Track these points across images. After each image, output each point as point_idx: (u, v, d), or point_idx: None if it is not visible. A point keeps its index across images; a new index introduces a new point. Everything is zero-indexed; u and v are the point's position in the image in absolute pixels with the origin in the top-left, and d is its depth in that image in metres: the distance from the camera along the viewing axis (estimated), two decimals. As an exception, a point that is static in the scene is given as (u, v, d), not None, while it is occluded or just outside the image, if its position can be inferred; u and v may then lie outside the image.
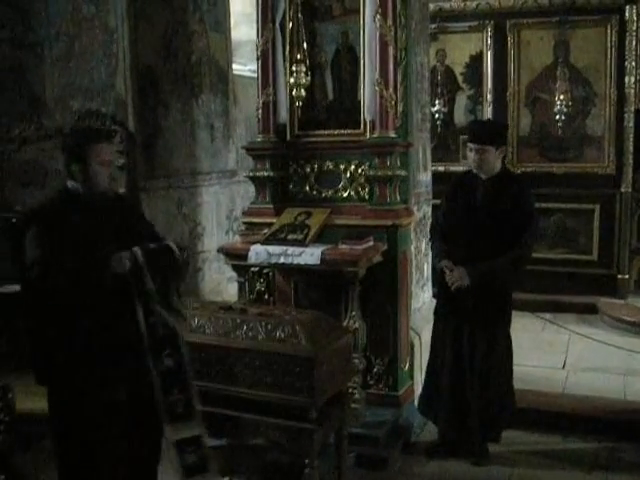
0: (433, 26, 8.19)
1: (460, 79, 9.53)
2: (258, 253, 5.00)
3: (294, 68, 4.98)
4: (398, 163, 5.22)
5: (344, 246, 4.89)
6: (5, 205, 6.96)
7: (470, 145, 4.82)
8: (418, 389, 5.31)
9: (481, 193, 4.80)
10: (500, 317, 4.82)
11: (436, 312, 5.04)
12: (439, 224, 5.00)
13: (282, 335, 3.84)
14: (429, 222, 5.67)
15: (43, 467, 4.96)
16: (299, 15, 5.18)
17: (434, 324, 5.04)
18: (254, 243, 5.09)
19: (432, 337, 5.06)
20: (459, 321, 4.81)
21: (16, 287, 5.71)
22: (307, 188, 5.52)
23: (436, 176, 6.38)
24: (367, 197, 5.31)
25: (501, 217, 4.68)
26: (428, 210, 6.06)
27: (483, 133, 4.86)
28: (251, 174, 5.59)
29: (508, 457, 4.96)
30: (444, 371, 4.90)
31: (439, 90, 9.23)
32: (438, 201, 5.27)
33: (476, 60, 9.42)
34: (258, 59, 5.53)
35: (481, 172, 4.81)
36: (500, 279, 4.70)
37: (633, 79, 8.67)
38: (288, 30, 5.38)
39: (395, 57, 5.18)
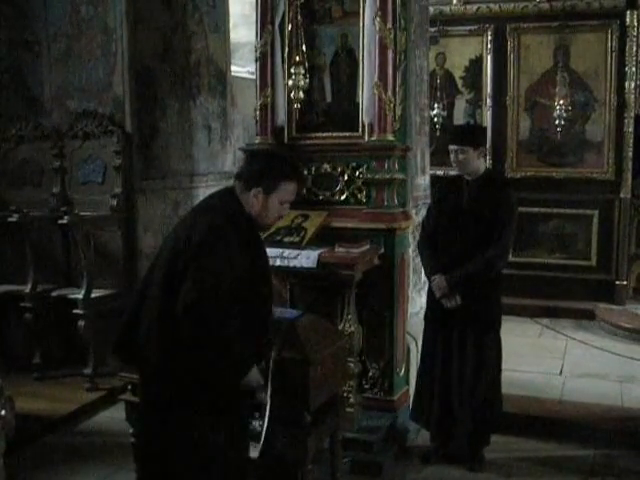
0: (433, 29, 8.16)
1: (459, 83, 9.51)
2: (254, 255, 4.97)
3: (293, 70, 4.96)
4: (396, 166, 5.19)
5: (341, 249, 4.85)
6: (1, 204, 6.94)
7: (450, 147, 4.86)
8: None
9: (466, 195, 4.82)
10: (489, 322, 4.81)
11: (426, 317, 5.03)
12: (427, 232, 5.00)
13: (277, 338, 3.80)
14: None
15: (38, 466, 4.97)
16: (298, 17, 5.17)
17: (424, 329, 5.02)
18: (250, 245, 5.06)
19: (422, 342, 5.04)
20: (448, 326, 4.80)
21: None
22: (304, 190, 5.48)
23: (434, 180, 6.35)
24: (364, 200, 5.28)
25: (485, 218, 4.69)
26: (426, 214, 6.04)
27: (461, 134, 4.98)
28: (248, 176, 5.56)
29: (504, 463, 4.93)
30: (434, 376, 4.88)
31: (438, 94, 9.21)
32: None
33: (476, 64, 9.41)
34: (257, 61, 5.51)
35: (465, 173, 4.85)
36: (476, 281, 4.69)
37: (633, 84, 8.66)
38: (287, 32, 5.37)
39: (394, 60, 5.15)
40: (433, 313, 4.94)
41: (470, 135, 4.96)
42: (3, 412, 3.23)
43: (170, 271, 3.07)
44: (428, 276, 4.92)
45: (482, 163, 4.92)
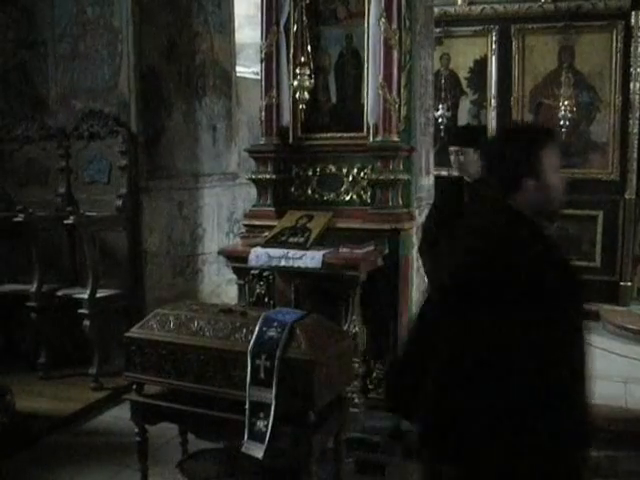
0: (438, 30, 8.18)
1: (464, 83, 9.51)
2: (259, 256, 4.98)
3: (298, 71, 4.97)
4: (401, 167, 5.20)
5: (345, 250, 4.86)
6: (7, 204, 6.96)
7: (450, 148, 4.87)
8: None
9: (467, 197, 4.80)
10: None
11: None
12: (427, 235, 4.92)
13: (282, 339, 3.81)
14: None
15: (43, 465, 4.98)
16: (304, 18, 5.18)
17: None
18: (255, 246, 5.07)
19: None
20: None
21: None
22: (309, 191, 5.50)
23: (437, 181, 6.35)
24: (369, 201, 5.29)
25: None
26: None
27: (461, 136, 5.04)
28: (253, 176, 5.58)
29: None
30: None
31: (443, 94, 9.21)
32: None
33: (480, 65, 9.40)
34: (262, 61, 5.52)
35: (465, 175, 4.83)
36: None
37: (638, 85, 8.65)
38: (292, 33, 5.39)
39: (399, 61, 5.16)
40: None
41: (470, 136, 4.96)
42: None
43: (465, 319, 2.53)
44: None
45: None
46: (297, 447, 3.70)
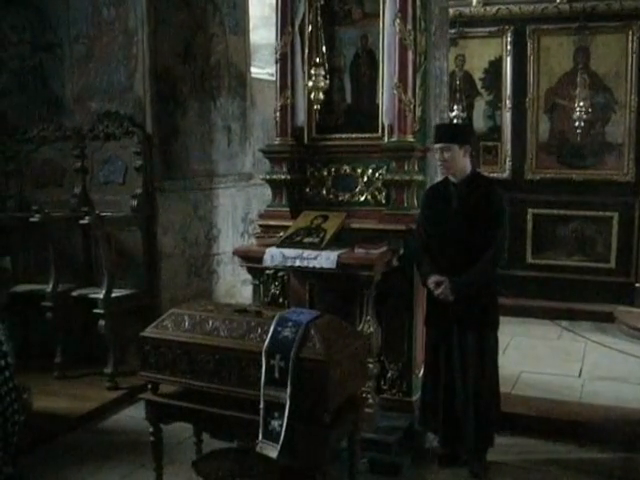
0: (453, 31, 8.17)
1: (479, 84, 9.50)
2: (273, 256, 4.99)
3: (313, 71, 4.97)
4: (416, 168, 5.20)
5: (360, 250, 4.86)
6: (23, 204, 7.00)
7: (435, 146, 4.82)
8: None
9: (455, 198, 4.75)
10: (488, 323, 4.76)
11: (427, 322, 4.98)
12: (420, 241, 4.86)
13: (296, 338, 3.81)
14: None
15: (59, 464, 5.01)
16: (318, 19, 5.18)
17: (426, 333, 4.98)
18: (269, 246, 5.08)
19: (425, 347, 4.99)
20: (449, 327, 4.75)
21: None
22: (324, 191, 5.51)
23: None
24: (384, 201, 5.29)
25: (475, 220, 4.64)
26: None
27: (445, 132, 4.88)
28: (268, 177, 5.58)
29: (521, 465, 4.92)
30: (438, 381, 4.83)
31: (458, 95, 9.20)
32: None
33: (495, 65, 9.39)
34: (277, 62, 5.52)
35: (451, 174, 4.78)
36: (481, 284, 4.65)
37: (654, 86, 8.62)
38: (307, 33, 5.40)
39: (414, 61, 5.16)
40: (433, 317, 4.89)
41: (455, 132, 4.91)
42: None
43: None
44: (424, 278, 4.81)
45: (468, 163, 4.80)
46: (311, 447, 3.70)
